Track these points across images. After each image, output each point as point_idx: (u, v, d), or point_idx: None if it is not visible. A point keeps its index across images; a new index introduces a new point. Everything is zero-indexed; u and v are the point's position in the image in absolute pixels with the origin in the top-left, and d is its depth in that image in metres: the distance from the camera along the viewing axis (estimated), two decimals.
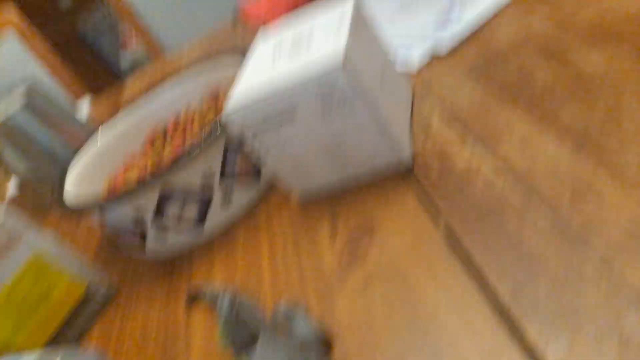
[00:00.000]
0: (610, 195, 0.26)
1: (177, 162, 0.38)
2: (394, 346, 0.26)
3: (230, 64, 0.53)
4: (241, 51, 0.53)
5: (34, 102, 0.67)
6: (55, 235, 0.41)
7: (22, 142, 0.66)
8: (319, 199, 0.39)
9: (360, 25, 0.37)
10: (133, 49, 2.86)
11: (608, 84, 0.32)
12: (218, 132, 0.39)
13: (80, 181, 0.49)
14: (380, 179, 0.37)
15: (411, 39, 0.52)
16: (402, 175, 0.36)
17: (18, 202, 0.78)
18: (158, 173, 0.38)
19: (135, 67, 2.88)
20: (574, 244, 0.25)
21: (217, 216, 0.42)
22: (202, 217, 0.42)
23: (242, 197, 0.43)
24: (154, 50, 1.26)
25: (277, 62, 0.35)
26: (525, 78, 0.37)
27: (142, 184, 0.38)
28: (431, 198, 0.33)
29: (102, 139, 0.55)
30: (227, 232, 0.42)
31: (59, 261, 0.40)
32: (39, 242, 0.39)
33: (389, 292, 0.29)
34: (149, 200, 0.40)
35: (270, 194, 0.43)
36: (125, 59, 2.85)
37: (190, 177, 0.40)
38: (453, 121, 0.38)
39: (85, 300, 0.41)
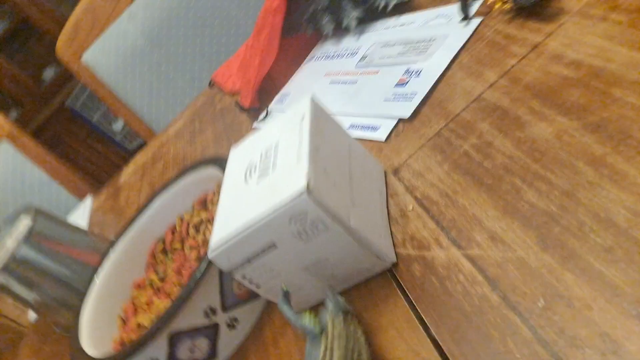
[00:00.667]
0: (578, 300, 0.27)
1: (177, 308, 0.40)
2: None
3: (213, 173, 0.55)
4: (212, 161, 0.55)
5: (39, 229, 0.70)
6: None
7: (32, 275, 0.68)
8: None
9: (322, 122, 0.39)
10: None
11: (561, 156, 0.33)
12: (209, 268, 0.41)
13: (93, 324, 0.51)
14: (369, 287, 0.38)
15: (369, 119, 0.53)
16: (389, 282, 0.37)
17: (37, 329, 0.81)
18: (162, 324, 0.40)
19: (128, 131, 2.94)
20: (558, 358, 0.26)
21: (227, 344, 0.44)
22: (213, 349, 0.44)
23: (246, 319, 0.45)
24: (138, 128, 1.29)
25: (249, 186, 0.37)
26: (485, 154, 0.38)
27: (149, 337, 0.40)
28: (418, 309, 0.34)
29: (104, 270, 0.57)
30: (239, 355, 0.44)
31: None
32: None
33: None
34: (159, 348, 0.42)
35: (273, 312, 0.45)
36: (117, 125, 2.92)
37: (193, 317, 0.42)
38: (427, 213, 0.39)
39: None
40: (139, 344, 0.40)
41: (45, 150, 1.32)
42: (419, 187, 0.42)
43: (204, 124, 0.94)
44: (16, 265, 0.66)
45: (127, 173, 1.10)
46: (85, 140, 3.09)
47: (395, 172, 0.45)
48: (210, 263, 0.41)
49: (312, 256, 0.36)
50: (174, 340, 0.42)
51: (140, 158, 1.11)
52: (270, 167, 0.37)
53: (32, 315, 0.90)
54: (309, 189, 0.33)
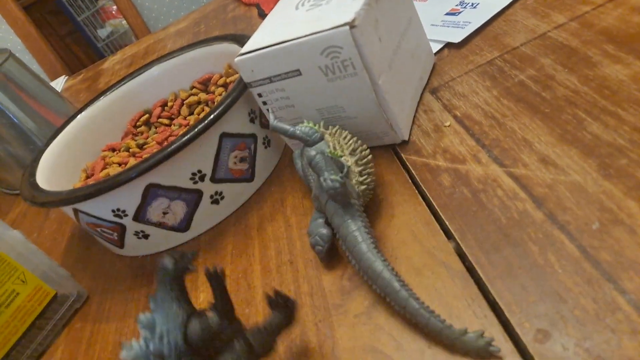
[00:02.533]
0: None
1: (166, 158, 0.35)
2: None
3: (226, 49, 0.49)
4: (231, 37, 0.49)
5: (7, 71, 0.62)
6: (23, 233, 0.36)
7: None
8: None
9: None
10: (112, 22, 2.75)
11: (636, 96, 0.30)
12: (208, 125, 0.36)
13: (53, 168, 0.45)
14: (384, 191, 0.34)
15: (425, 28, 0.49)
16: (409, 187, 0.33)
17: None
18: (146, 169, 0.35)
19: (112, 40, 2.77)
20: (604, 282, 0.23)
21: (204, 219, 0.39)
22: (187, 219, 0.39)
23: (232, 199, 0.40)
24: (138, 27, 1.20)
25: (298, 12, 0.35)
26: (544, 85, 0.35)
27: (127, 180, 0.35)
28: (442, 216, 0.30)
29: (79, 119, 0.50)
30: (215, 237, 0.39)
31: (27, 262, 0.36)
32: (6, 239, 0.35)
33: (397, 325, 0.26)
34: (132, 197, 0.36)
35: (264, 200, 0.40)
36: (103, 31, 2.74)
37: (179, 175, 0.37)
38: (467, 131, 0.35)
39: (52, 307, 0.37)
40: (109, 184, 0.35)
41: (27, 17, 1.21)
42: (460, 107, 0.38)
43: (211, 28, 0.87)
44: None
45: (113, 60, 1.01)
46: (63, 38, 2.88)
47: (434, 91, 0.41)
48: (213, 120, 0.36)
49: (330, 99, 0.35)
50: (149, 193, 0.36)
51: (129, 49, 1.03)
52: (325, 2, 0.35)
53: None
54: (353, 25, 0.31)
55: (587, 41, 0.37)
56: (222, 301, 0.24)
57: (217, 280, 0.24)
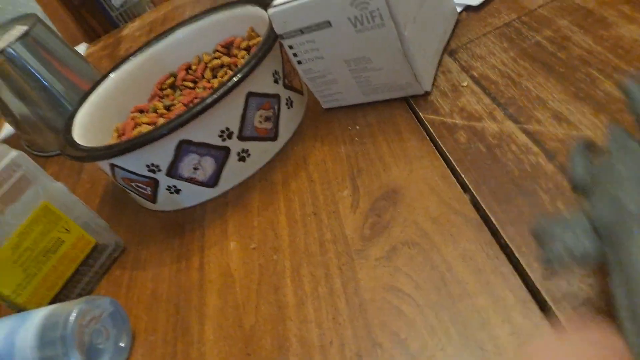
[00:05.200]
0: None
1: (197, 115, 0.37)
2: (420, 322, 0.26)
3: (250, 12, 0.51)
4: (255, 0, 0.50)
5: (36, 35, 0.64)
6: (66, 185, 0.39)
7: (21, 79, 0.63)
8: (339, 163, 0.38)
9: None
10: None
11: None
12: (236, 84, 0.38)
13: (87, 127, 0.47)
14: (403, 147, 0.36)
15: None
16: (427, 144, 0.35)
17: (14, 144, 0.76)
18: (178, 125, 0.37)
19: (126, 10, 2.76)
20: None
21: (232, 175, 0.42)
22: (216, 175, 0.41)
23: (258, 156, 0.42)
24: None
25: None
26: (560, 46, 0.36)
27: (161, 135, 0.37)
28: (458, 169, 0.32)
29: (108, 82, 0.52)
30: (242, 193, 0.42)
31: (69, 212, 0.39)
32: (50, 190, 0.38)
33: (414, 267, 0.28)
34: (166, 152, 0.39)
35: (288, 158, 0.42)
36: (117, 1, 2.73)
37: (208, 133, 0.39)
38: (483, 91, 0.37)
39: (93, 255, 0.41)
40: (144, 140, 0.37)
41: None
42: (477, 67, 0.39)
43: None
44: (7, 64, 0.61)
45: (132, 27, 1.03)
46: (78, 8, 2.88)
47: (452, 52, 0.42)
48: (241, 78, 0.38)
49: (358, 51, 0.37)
50: (181, 149, 0.39)
51: (148, 16, 1.04)
52: None
53: (2, 135, 0.84)
54: None
55: (604, 2, 0.38)
56: None
57: None
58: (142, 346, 0.33)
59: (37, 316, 0.32)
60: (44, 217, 0.37)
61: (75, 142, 0.42)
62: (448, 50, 0.43)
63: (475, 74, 0.39)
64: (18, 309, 0.37)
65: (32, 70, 0.62)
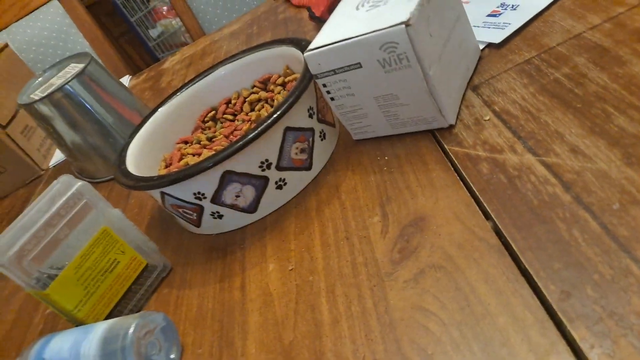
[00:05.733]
0: None
1: (241, 148, 0.41)
2: (445, 339, 0.28)
3: (285, 52, 0.55)
4: (290, 41, 0.54)
5: (90, 72, 0.70)
6: (122, 211, 0.43)
7: (75, 112, 0.69)
8: (369, 191, 0.41)
9: None
10: (162, 22, 2.87)
11: None
12: (276, 119, 0.41)
13: (138, 157, 0.52)
14: (429, 177, 0.39)
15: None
16: (452, 174, 0.38)
17: (65, 170, 0.82)
18: (223, 158, 0.41)
19: (163, 40, 2.90)
20: (620, 253, 0.27)
21: (270, 202, 0.45)
22: (256, 202, 0.45)
23: (294, 184, 0.46)
24: (193, 28, 1.28)
25: (359, 12, 0.41)
26: (577, 83, 0.39)
27: (208, 167, 0.41)
28: (481, 198, 0.35)
29: (155, 117, 0.57)
30: (279, 218, 0.45)
31: (124, 236, 0.43)
32: (109, 215, 0.42)
33: (440, 289, 0.31)
34: (211, 182, 0.43)
35: (321, 186, 0.46)
36: (154, 31, 2.87)
37: (250, 164, 0.43)
38: (504, 124, 0.39)
39: (144, 275, 0.44)
40: (193, 171, 0.41)
41: (94, 21, 1.31)
42: (499, 102, 0.42)
43: (264, 29, 0.94)
44: (64, 99, 0.67)
45: (172, 60, 1.09)
46: (117, 39, 3.05)
47: (475, 88, 0.45)
48: (280, 115, 0.41)
49: (387, 89, 0.41)
50: (225, 179, 0.43)
51: (187, 50, 1.11)
52: (382, 3, 0.41)
53: (53, 161, 0.91)
54: (408, 24, 0.36)
55: (619, 41, 0.40)
56: None
57: None
58: (190, 359, 0.37)
59: (99, 329, 0.36)
60: (103, 240, 0.41)
61: (130, 172, 0.47)
62: (471, 85, 0.46)
63: (497, 108, 0.42)
64: (78, 323, 0.41)
65: (86, 104, 0.68)
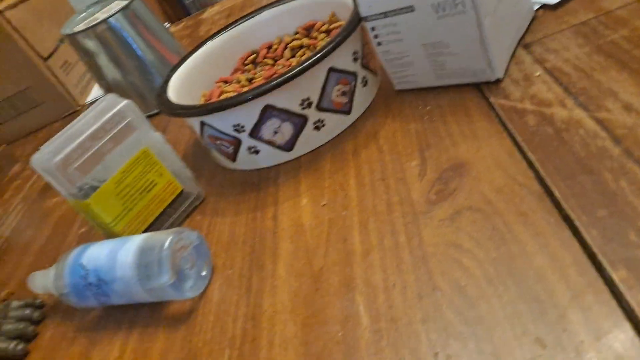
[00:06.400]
0: None
1: (284, 82, 0.41)
2: (479, 274, 0.28)
3: (327, 0, 0.54)
4: None
5: (135, 8, 0.70)
6: (163, 136, 0.44)
7: (118, 47, 0.69)
8: (408, 138, 0.41)
9: None
10: None
11: None
12: (322, 57, 0.41)
13: (178, 91, 0.52)
14: (472, 128, 0.39)
15: None
16: (496, 126, 0.38)
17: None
18: (267, 90, 0.41)
19: (197, 1, 2.89)
20: None
21: (306, 141, 0.45)
22: (293, 140, 0.45)
23: (332, 126, 0.46)
24: None
25: None
26: (635, 45, 0.38)
27: (251, 98, 0.41)
28: (525, 148, 0.34)
29: (197, 54, 0.58)
30: (314, 158, 0.45)
31: (163, 160, 0.44)
32: (150, 138, 0.43)
33: (476, 228, 0.31)
34: (251, 115, 0.43)
35: (359, 131, 0.46)
36: None
37: (291, 100, 0.43)
38: (555, 81, 0.38)
39: (178, 200, 0.45)
40: (235, 101, 0.42)
41: None
42: (551, 60, 0.41)
43: None
44: (107, 32, 0.68)
45: (212, 10, 1.09)
46: None
47: (526, 46, 0.44)
48: (325, 53, 0.41)
49: (437, 36, 0.40)
50: (265, 113, 0.43)
51: (228, 1, 1.10)
52: None
53: (90, 98, 0.93)
54: None
55: None
56: None
57: None
58: (221, 278, 0.38)
59: (137, 240, 0.37)
60: (143, 160, 0.42)
61: (172, 101, 0.47)
62: (523, 43, 0.45)
63: (548, 66, 0.41)
64: (114, 237, 0.42)
65: (128, 39, 0.69)
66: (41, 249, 0.56)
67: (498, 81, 0.42)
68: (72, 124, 0.41)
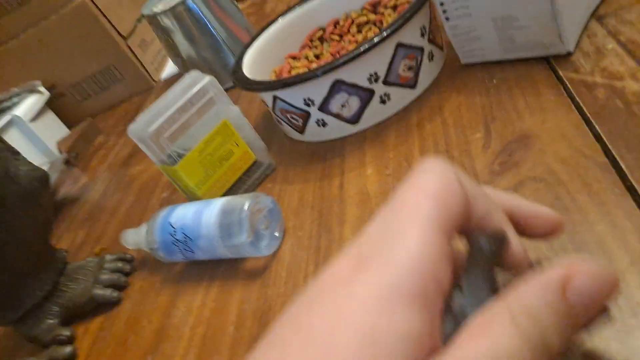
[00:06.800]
0: None
1: (354, 58, 0.43)
2: (539, 243, 0.30)
3: None
4: None
5: None
6: (240, 109, 0.48)
7: (193, 25, 0.74)
8: (473, 111, 0.42)
9: None
10: None
11: None
12: (391, 33, 0.43)
13: (251, 67, 0.56)
14: (539, 101, 0.39)
15: None
16: (564, 99, 0.38)
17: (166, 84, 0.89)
18: (338, 65, 0.43)
19: None
20: None
21: (372, 113, 0.47)
22: (359, 113, 0.47)
23: (397, 100, 0.47)
24: None
25: None
26: None
27: (322, 73, 0.44)
28: (593, 121, 0.35)
29: (268, 32, 0.61)
30: (379, 131, 0.47)
31: (240, 131, 0.47)
32: (229, 111, 0.47)
33: (539, 197, 0.32)
34: (321, 89, 0.46)
35: (424, 105, 0.47)
36: None
37: (359, 75, 0.45)
38: (628, 54, 0.38)
39: (252, 169, 0.49)
40: (306, 76, 0.44)
41: None
42: (625, 32, 0.40)
43: None
44: (185, 12, 0.72)
45: None
46: None
47: (599, 18, 0.43)
48: (395, 29, 0.43)
49: (506, 9, 0.40)
50: (335, 87, 0.45)
51: None
52: None
53: (164, 75, 0.99)
54: None
55: None
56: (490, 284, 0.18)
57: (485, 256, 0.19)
58: (292, 239, 0.41)
59: (219, 202, 0.41)
60: (222, 132, 0.46)
61: (248, 77, 0.51)
62: (595, 15, 0.44)
63: (622, 38, 0.40)
64: (196, 199, 0.46)
65: (203, 18, 0.73)
66: (127, 211, 0.62)
67: (568, 54, 0.41)
68: (161, 98, 0.45)
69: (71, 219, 0.69)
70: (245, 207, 0.39)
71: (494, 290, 0.18)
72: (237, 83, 0.50)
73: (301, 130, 0.51)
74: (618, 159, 0.31)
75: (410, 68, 0.47)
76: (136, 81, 0.99)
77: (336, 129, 0.49)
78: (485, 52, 0.45)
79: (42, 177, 0.41)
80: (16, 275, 0.43)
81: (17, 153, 0.43)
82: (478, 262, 0.19)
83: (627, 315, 0.24)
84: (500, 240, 0.20)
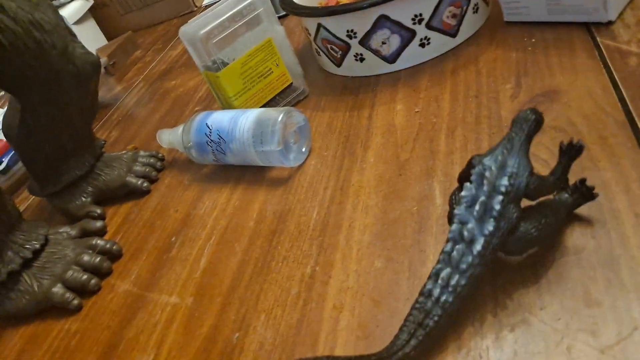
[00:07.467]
0: None
1: None
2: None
3: None
4: None
5: None
6: (284, 31, 0.50)
7: None
8: (508, 64, 0.44)
9: None
10: None
11: None
12: None
13: None
14: (573, 62, 0.41)
15: None
16: (596, 63, 0.39)
17: None
18: (384, 0, 0.45)
19: None
20: None
21: (410, 55, 0.49)
22: (398, 53, 0.49)
23: (437, 45, 0.49)
24: None
25: None
26: None
27: (370, 5, 0.45)
28: (620, 84, 0.36)
29: None
30: (414, 73, 0.49)
31: (281, 52, 0.50)
32: (274, 30, 0.49)
33: (555, 144, 0.34)
34: (365, 22, 0.47)
35: (461, 54, 0.49)
36: None
37: (405, 13, 0.46)
38: None
39: (286, 91, 0.52)
40: (353, 7, 0.46)
41: None
42: None
43: None
44: None
45: None
46: None
47: None
48: None
49: None
50: (379, 22, 0.47)
51: None
52: None
53: (207, 1, 1.00)
54: None
55: None
56: (564, 172, 0.27)
57: (573, 152, 0.27)
58: (317, 157, 0.44)
59: (255, 111, 0.44)
60: (265, 49, 0.48)
61: (296, 2, 0.52)
62: None
63: None
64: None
65: None
66: (161, 119, 0.65)
67: (610, 23, 0.43)
68: (214, 6, 0.47)
69: (105, 120, 0.73)
70: (279, 118, 0.42)
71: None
72: (285, 7, 0.52)
73: (339, 62, 0.53)
74: (636, 118, 0.33)
75: (454, 16, 0.48)
76: (177, 4, 1.01)
77: (372, 66, 0.51)
78: (530, 11, 0.47)
79: (94, 62, 0.44)
80: (60, 152, 0.46)
81: (75, 35, 0.46)
82: (523, 129, 0.26)
83: (618, 249, 0.27)
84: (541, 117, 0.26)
